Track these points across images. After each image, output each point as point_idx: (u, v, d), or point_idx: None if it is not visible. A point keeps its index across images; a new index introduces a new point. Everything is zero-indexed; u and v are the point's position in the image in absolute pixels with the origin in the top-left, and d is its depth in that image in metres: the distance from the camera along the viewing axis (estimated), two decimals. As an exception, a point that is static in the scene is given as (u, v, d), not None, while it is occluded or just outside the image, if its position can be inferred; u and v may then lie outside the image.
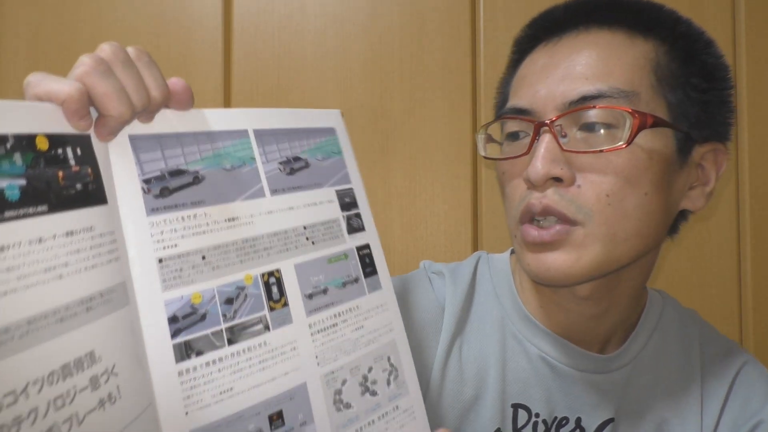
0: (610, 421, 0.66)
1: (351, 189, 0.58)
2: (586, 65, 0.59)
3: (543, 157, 0.57)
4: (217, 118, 0.49)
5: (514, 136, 0.64)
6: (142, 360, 0.42)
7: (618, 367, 0.68)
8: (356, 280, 0.56)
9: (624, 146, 0.55)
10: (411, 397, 0.58)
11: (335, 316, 0.54)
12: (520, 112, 0.62)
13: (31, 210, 0.36)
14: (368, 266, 0.58)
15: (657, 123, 0.56)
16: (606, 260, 0.58)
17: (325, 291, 0.54)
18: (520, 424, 0.67)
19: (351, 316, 0.55)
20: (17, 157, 0.36)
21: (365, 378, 0.55)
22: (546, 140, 0.58)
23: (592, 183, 0.57)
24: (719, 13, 1.06)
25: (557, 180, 0.57)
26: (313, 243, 0.54)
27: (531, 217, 0.59)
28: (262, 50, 1.08)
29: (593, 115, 0.57)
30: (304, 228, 0.54)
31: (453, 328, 0.69)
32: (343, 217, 0.57)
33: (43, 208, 0.37)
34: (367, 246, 0.58)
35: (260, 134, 0.52)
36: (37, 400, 0.34)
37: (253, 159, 0.51)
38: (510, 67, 0.71)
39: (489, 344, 0.69)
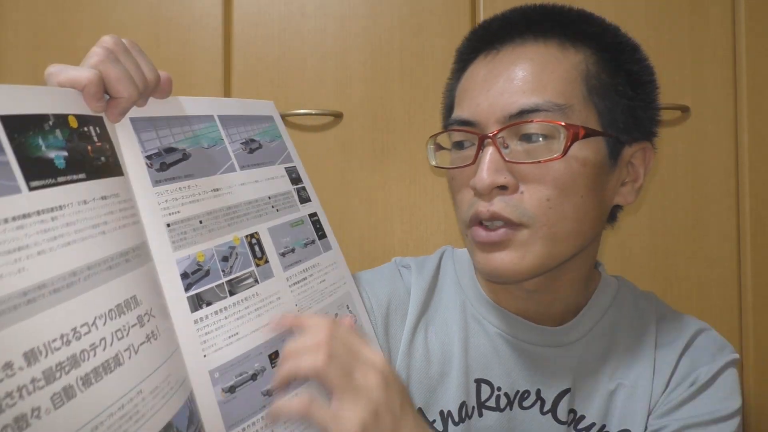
0: (567, 391, 0.71)
1: (295, 167, 0.68)
2: (523, 79, 0.63)
3: (487, 168, 0.61)
4: (189, 105, 0.57)
5: (459, 146, 0.68)
6: (166, 310, 0.49)
7: (572, 340, 0.72)
8: (313, 241, 0.66)
9: (559, 157, 0.60)
10: (369, 337, 0.68)
11: (304, 270, 0.63)
12: (465, 124, 0.66)
13: (74, 177, 0.42)
14: (319, 230, 0.67)
15: (588, 134, 0.61)
16: (548, 257, 0.63)
17: (293, 250, 0.62)
18: (483, 397, 0.72)
19: (315, 271, 0.64)
20: (58, 133, 0.42)
21: None
22: (489, 152, 0.62)
23: (534, 189, 0.61)
24: (719, 13, 1.06)
25: (502, 188, 0.62)
26: (277, 210, 0.63)
27: (479, 221, 0.64)
28: (262, 50, 1.07)
29: (531, 128, 0.61)
30: (269, 198, 0.62)
31: (418, 311, 0.75)
32: (294, 189, 0.66)
33: (82, 175, 0.43)
34: (316, 214, 0.68)
35: (223, 119, 0.60)
36: (104, 331, 0.40)
37: (222, 140, 0.59)
38: (454, 75, 0.74)
39: (452, 326, 0.74)
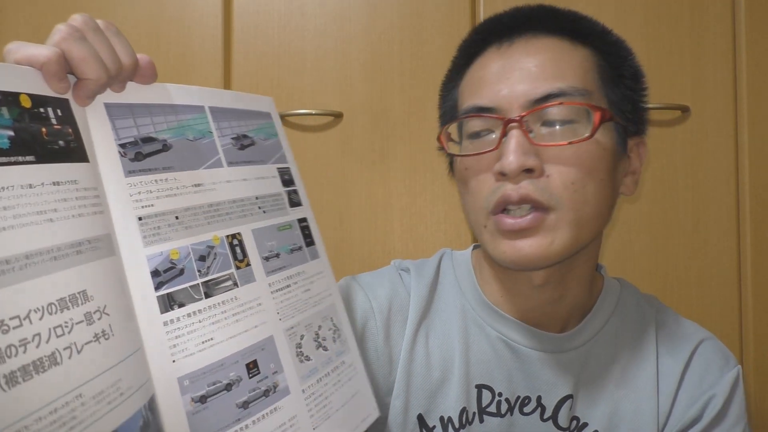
0: (569, 397, 0.70)
1: (288, 168, 0.63)
2: (542, 67, 0.64)
3: (515, 151, 0.61)
4: (178, 93, 0.53)
5: (476, 134, 0.67)
6: (130, 309, 0.45)
7: (575, 346, 0.72)
8: (300, 248, 0.61)
9: (588, 137, 0.61)
10: (352, 354, 0.63)
11: (288, 278, 0.58)
12: (484, 111, 0.65)
13: (20, 158, 0.39)
14: (308, 237, 0.63)
15: (611, 118, 0.63)
16: (574, 242, 0.63)
17: (277, 255, 0.58)
18: (484, 403, 0.71)
19: (300, 279, 0.60)
20: (4, 111, 0.39)
21: (317, 335, 0.60)
22: (516, 135, 0.62)
23: (560, 172, 0.62)
24: (719, 13, 1.06)
25: (529, 171, 0.61)
26: (264, 212, 0.58)
27: (505, 207, 0.63)
28: (262, 50, 1.08)
29: (557, 111, 0.62)
30: (257, 198, 0.58)
31: (418, 316, 0.74)
32: (285, 192, 0.62)
33: (31, 158, 0.40)
34: (305, 219, 0.64)
35: (214, 111, 0.56)
36: (39, 326, 0.37)
37: (211, 132, 0.55)
38: (455, 72, 0.74)
39: (452, 330, 0.73)
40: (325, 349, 0.59)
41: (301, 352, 0.57)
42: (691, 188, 1.06)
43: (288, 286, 0.58)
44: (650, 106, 0.71)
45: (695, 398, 0.70)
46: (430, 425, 0.71)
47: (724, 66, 1.06)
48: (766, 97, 1.05)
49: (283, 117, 1.03)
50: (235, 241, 0.54)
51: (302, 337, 0.57)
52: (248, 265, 0.54)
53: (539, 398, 0.71)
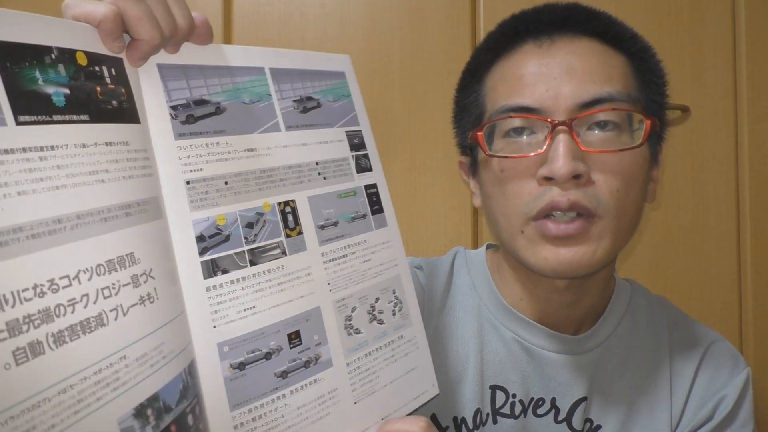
0: (583, 399, 0.69)
1: (360, 131, 0.61)
2: (588, 69, 0.61)
3: (566, 156, 0.58)
4: (236, 54, 0.52)
5: (514, 133, 0.64)
6: (174, 273, 0.45)
7: (589, 348, 0.71)
8: (364, 216, 0.60)
9: (638, 146, 0.60)
10: (414, 329, 0.61)
11: (345, 247, 0.57)
12: (528, 111, 0.62)
13: (75, 117, 0.38)
14: (375, 204, 0.61)
15: (660, 126, 0.62)
16: (613, 251, 0.62)
17: (335, 224, 0.57)
18: (498, 404, 0.70)
19: (359, 249, 0.58)
20: (61, 68, 0.38)
21: (372, 307, 0.58)
22: (565, 139, 0.59)
23: (606, 180, 0.60)
24: (719, 13, 1.05)
25: (576, 177, 0.59)
26: (324, 178, 0.57)
27: (550, 212, 0.60)
28: None
29: (605, 116, 0.60)
30: (317, 164, 0.57)
31: (432, 315, 0.73)
32: (353, 156, 0.60)
33: (85, 117, 0.39)
34: (375, 186, 0.62)
35: (276, 72, 0.55)
36: (87, 287, 0.37)
37: (270, 95, 0.54)
38: (479, 66, 0.71)
39: (467, 330, 0.72)
40: (381, 322, 0.58)
41: (350, 324, 0.56)
42: (691, 188, 1.05)
43: (344, 255, 0.57)
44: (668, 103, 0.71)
45: (706, 399, 0.70)
46: (444, 426, 0.70)
47: (724, 66, 1.05)
48: (766, 97, 1.04)
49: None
50: (288, 209, 0.53)
51: (354, 309, 0.56)
52: (300, 233, 0.54)
53: (553, 400, 0.70)
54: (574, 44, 0.64)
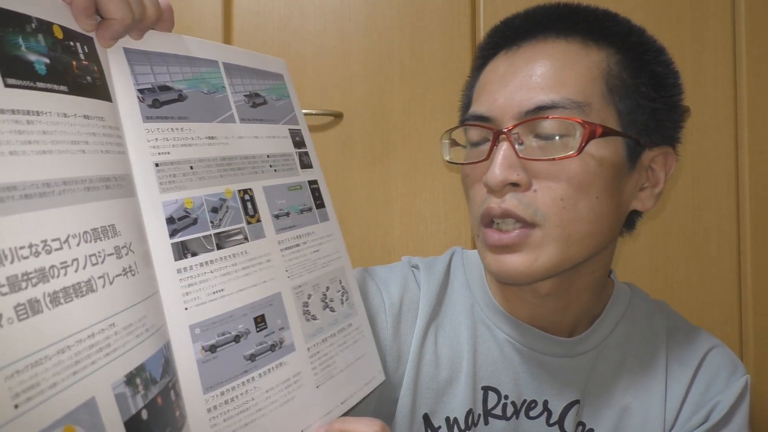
0: (576, 402, 0.69)
1: (299, 130, 0.64)
2: (542, 75, 0.61)
3: (500, 164, 0.59)
4: (194, 45, 0.53)
5: (474, 142, 0.66)
6: (147, 254, 0.45)
7: (583, 351, 0.71)
8: (310, 209, 0.62)
9: (575, 155, 0.58)
10: (359, 317, 0.64)
11: (298, 237, 0.59)
12: (481, 119, 0.64)
13: (55, 87, 0.38)
14: (318, 199, 0.64)
15: (606, 133, 0.59)
16: (561, 260, 0.61)
17: (288, 214, 0.59)
18: (490, 405, 0.70)
19: (309, 239, 0.60)
20: (41, 38, 0.38)
21: (325, 295, 0.60)
22: (503, 147, 0.60)
23: (548, 188, 0.60)
24: (719, 13, 1.05)
25: (514, 185, 0.60)
26: (275, 171, 0.59)
27: (491, 220, 0.62)
28: (262, 50, 1.02)
29: (547, 124, 0.60)
30: (268, 156, 0.59)
31: (428, 314, 0.72)
32: (296, 153, 0.63)
33: (64, 88, 0.39)
34: (316, 182, 0.64)
35: (228, 67, 0.57)
36: (77, 252, 0.36)
37: (224, 88, 0.56)
38: (474, 72, 0.73)
39: (461, 330, 0.72)
40: (332, 310, 0.60)
41: (307, 311, 0.57)
42: (691, 188, 1.06)
43: (297, 245, 0.58)
44: (677, 102, 0.68)
45: (702, 404, 0.69)
46: (436, 425, 0.70)
47: (724, 66, 1.06)
48: (766, 97, 1.05)
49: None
50: (247, 197, 0.54)
51: (309, 296, 0.58)
52: (259, 221, 0.55)
53: (546, 402, 0.70)
54: (537, 49, 0.64)
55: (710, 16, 1.06)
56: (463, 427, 0.69)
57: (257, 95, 0.59)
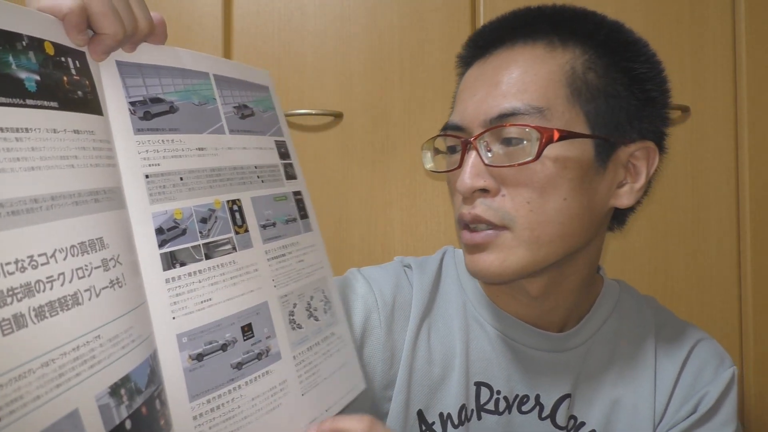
0: (567, 396, 0.71)
1: (284, 141, 0.65)
2: (507, 83, 0.63)
3: (468, 172, 0.62)
4: (186, 58, 0.54)
5: (452, 150, 0.69)
6: (136, 264, 0.46)
7: (573, 346, 0.72)
8: (294, 219, 0.63)
9: (533, 160, 0.60)
10: (341, 326, 0.65)
11: (283, 247, 0.60)
12: (454, 128, 0.67)
13: (45, 103, 0.39)
14: (302, 210, 0.65)
15: (564, 136, 0.60)
16: (532, 261, 0.63)
17: (274, 224, 0.60)
18: (483, 400, 0.71)
19: (294, 249, 0.61)
20: (31, 55, 0.39)
21: (309, 305, 0.61)
22: (472, 156, 0.63)
23: (515, 192, 0.62)
24: (719, 13, 1.06)
25: (484, 191, 0.63)
26: (262, 181, 0.60)
27: (465, 224, 0.65)
28: (262, 50, 1.08)
29: (512, 130, 0.61)
30: (255, 167, 0.60)
31: (421, 312, 0.74)
32: (281, 164, 0.64)
33: (54, 104, 0.40)
34: (300, 193, 0.65)
35: (218, 79, 0.57)
36: (63, 266, 0.37)
37: (215, 99, 0.56)
38: (457, 81, 0.75)
39: (453, 327, 0.74)
40: (316, 319, 0.61)
41: (293, 319, 0.58)
42: (691, 188, 1.07)
43: (283, 255, 0.59)
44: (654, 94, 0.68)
45: (690, 395, 0.71)
46: (430, 421, 0.71)
47: (724, 66, 1.06)
48: (766, 97, 1.06)
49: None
50: (235, 207, 0.55)
51: (295, 305, 0.59)
52: (247, 231, 0.56)
53: (537, 397, 0.71)
54: (503, 56, 0.66)
55: (710, 16, 1.07)
56: (456, 422, 0.71)
57: (246, 107, 0.60)
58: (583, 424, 0.71)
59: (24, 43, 0.39)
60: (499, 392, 0.71)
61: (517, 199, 0.62)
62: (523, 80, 0.63)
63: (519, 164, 0.61)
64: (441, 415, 0.71)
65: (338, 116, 1.08)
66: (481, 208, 0.63)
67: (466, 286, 0.76)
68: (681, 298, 1.07)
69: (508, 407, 0.71)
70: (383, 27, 1.08)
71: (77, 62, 0.44)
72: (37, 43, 0.40)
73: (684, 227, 1.08)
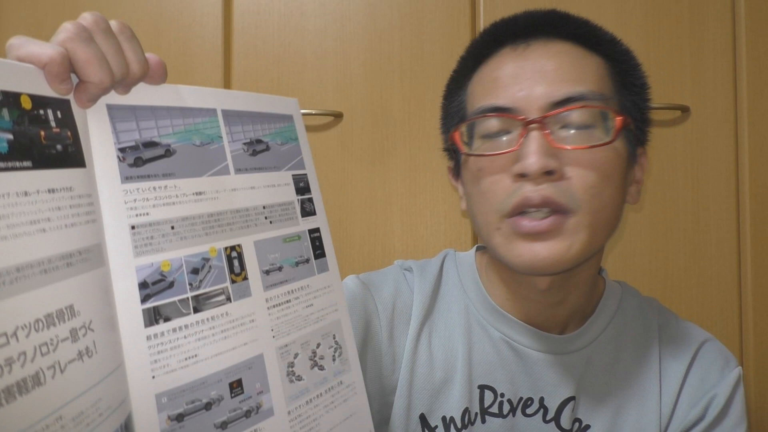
0: (571, 399, 0.71)
1: (305, 175, 0.61)
2: (561, 70, 0.64)
3: (537, 152, 0.60)
4: (189, 95, 0.51)
5: (491, 135, 0.66)
6: (113, 322, 0.43)
7: (577, 348, 0.72)
8: (307, 260, 0.59)
9: (610, 142, 0.61)
10: (353, 374, 0.61)
11: (289, 293, 0.57)
12: (502, 111, 0.64)
13: (17, 164, 0.37)
14: (318, 249, 0.61)
15: (629, 124, 0.63)
16: (589, 247, 0.63)
17: (280, 269, 0.56)
18: (486, 404, 0.71)
19: (302, 294, 0.58)
20: (5, 113, 0.37)
21: (314, 353, 0.58)
22: (537, 137, 0.61)
23: (580, 176, 0.61)
24: (719, 13, 1.06)
25: (549, 173, 0.61)
26: (271, 222, 0.57)
27: (524, 209, 0.62)
28: (262, 50, 1.08)
29: (577, 114, 0.62)
30: (264, 207, 0.56)
31: (421, 316, 0.74)
32: (298, 200, 0.60)
33: (28, 163, 0.38)
34: (318, 230, 0.61)
35: (227, 114, 0.54)
36: (25, 345, 0.35)
37: (221, 137, 0.53)
38: (463, 73, 0.74)
39: (456, 330, 0.73)
40: (321, 368, 0.58)
41: (292, 371, 0.55)
42: (691, 188, 1.06)
43: (288, 301, 0.56)
44: (651, 107, 0.73)
45: (697, 399, 0.70)
46: (432, 425, 0.71)
47: (724, 66, 1.06)
48: (766, 97, 1.05)
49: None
50: (234, 253, 0.52)
51: (296, 355, 0.56)
52: (246, 278, 0.53)
53: (542, 399, 0.71)
54: (548, 47, 0.66)
55: (710, 16, 1.06)
56: (459, 426, 0.70)
57: (259, 142, 0.57)
58: (588, 427, 0.71)
59: (-3, 99, 0.36)
60: (502, 395, 0.71)
61: (582, 183, 0.61)
62: (578, 69, 0.64)
63: (595, 146, 0.61)
64: (444, 418, 0.71)
65: (338, 116, 1.08)
66: (550, 189, 0.61)
67: (469, 289, 0.76)
68: (681, 298, 1.06)
69: (512, 410, 0.71)
70: (383, 27, 1.07)
71: (59, 112, 0.41)
72: (12, 99, 0.37)
73: (684, 227, 1.07)
